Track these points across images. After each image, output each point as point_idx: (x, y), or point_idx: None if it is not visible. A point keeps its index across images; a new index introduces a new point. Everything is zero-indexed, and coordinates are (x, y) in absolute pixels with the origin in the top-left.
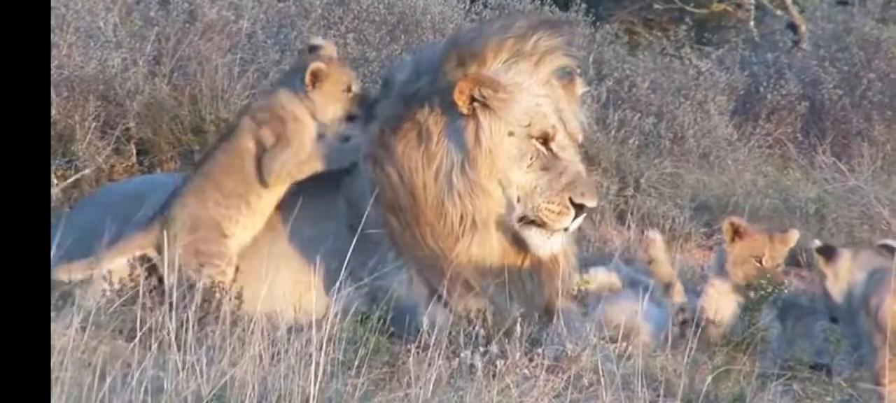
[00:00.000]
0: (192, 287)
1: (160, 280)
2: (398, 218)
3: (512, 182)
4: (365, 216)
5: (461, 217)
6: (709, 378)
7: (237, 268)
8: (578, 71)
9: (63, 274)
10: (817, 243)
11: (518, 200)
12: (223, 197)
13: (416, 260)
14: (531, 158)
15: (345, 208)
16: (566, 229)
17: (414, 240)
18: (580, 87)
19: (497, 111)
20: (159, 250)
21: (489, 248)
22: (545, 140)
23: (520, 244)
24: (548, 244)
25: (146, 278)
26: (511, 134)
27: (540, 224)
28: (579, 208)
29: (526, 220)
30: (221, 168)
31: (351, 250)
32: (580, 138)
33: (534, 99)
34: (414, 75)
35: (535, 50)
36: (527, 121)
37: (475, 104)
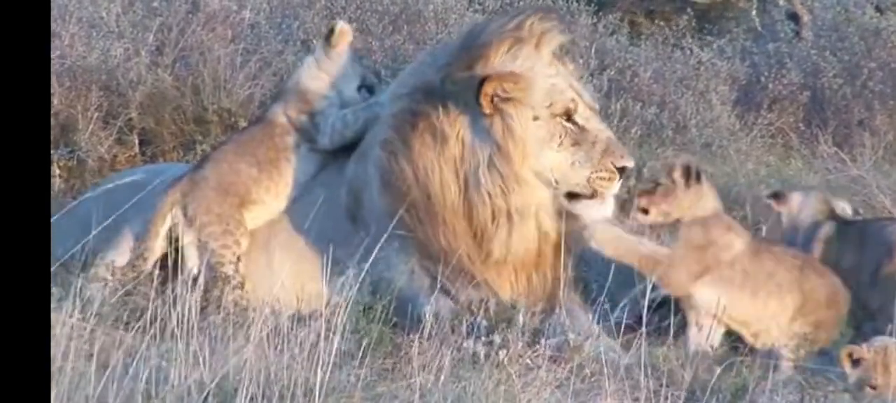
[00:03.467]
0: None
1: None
2: (409, 214)
3: (546, 164)
4: (362, 202)
5: (493, 213)
6: (718, 370)
7: (238, 259)
8: (570, 49)
9: (104, 270)
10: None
11: (556, 182)
12: (256, 161)
13: (425, 255)
14: (560, 137)
15: (347, 198)
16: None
17: (426, 237)
18: (571, 65)
19: (520, 100)
20: (185, 210)
21: (528, 237)
22: (569, 116)
23: (569, 218)
24: (602, 209)
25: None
26: (536, 118)
27: (589, 195)
28: (621, 170)
29: (571, 195)
30: (254, 138)
31: (352, 238)
32: (597, 107)
33: (548, 80)
34: (431, 71)
35: (531, 33)
36: (548, 101)
37: (495, 100)
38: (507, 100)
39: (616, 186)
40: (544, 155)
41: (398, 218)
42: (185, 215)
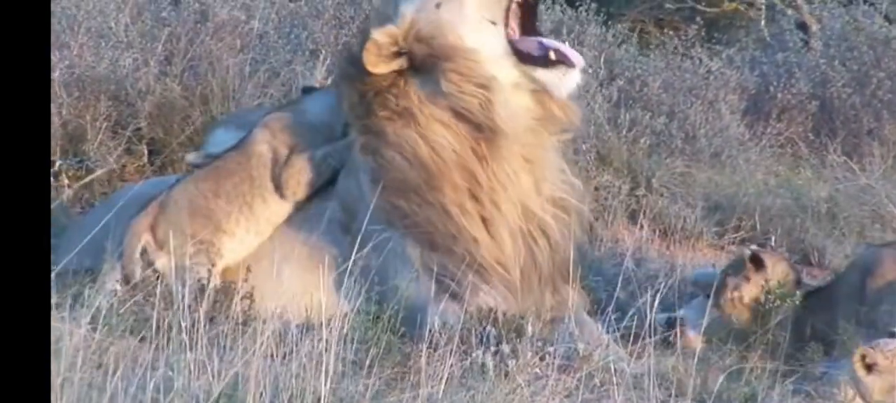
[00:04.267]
0: (201, 286)
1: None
2: (409, 200)
3: (465, 14)
4: (356, 214)
5: (474, 96)
6: (721, 378)
7: (248, 269)
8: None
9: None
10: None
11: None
12: (223, 191)
13: (431, 247)
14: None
15: (340, 213)
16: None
17: (429, 222)
18: None
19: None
20: (154, 232)
21: (522, 104)
22: None
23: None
24: (564, 82)
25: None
26: (438, 5)
27: (527, 58)
28: None
29: (523, 55)
30: (228, 166)
31: (354, 250)
32: None
33: None
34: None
35: None
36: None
37: (401, 55)
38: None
39: None
40: (466, 11)
41: (400, 212)
42: (155, 239)
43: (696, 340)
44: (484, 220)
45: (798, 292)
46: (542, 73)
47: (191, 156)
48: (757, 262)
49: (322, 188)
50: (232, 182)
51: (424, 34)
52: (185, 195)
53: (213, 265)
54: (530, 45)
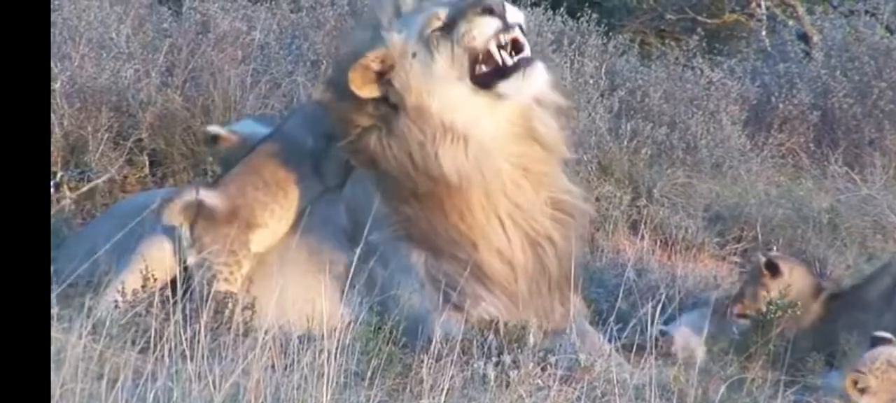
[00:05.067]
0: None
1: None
2: (411, 204)
3: (438, 80)
4: (362, 222)
5: (421, 145)
6: (722, 388)
7: (250, 280)
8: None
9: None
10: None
11: (458, 76)
12: (263, 183)
13: (434, 250)
14: (435, 45)
15: (346, 220)
16: (520, 52)
17: (430, 226)
18: None
19: (394, 68)
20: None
21: (478, 130)
22: (439, 28)
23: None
24: (524, 85)
25: (161, 289)
26: (414, 55)
27: (489, 64)
28: (489, 11)
29: (482, 76)
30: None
31: (355, 260)
32: None
33: (407, 21)
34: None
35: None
36: (416, 31)
37: (384, 79)
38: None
39: (490, 27)
40: (433, 73)
41: (403, 216)
42: (191, 234)
43: (683, 351)
44: (486, 229)
45: (799, 302)
46: (503, 86)
47: (212, 128)
48: (772, 268)
49: (324, 193)
50: (268, 170)
51: (396, 86)
52: (225, 194)
53: (237, 268)
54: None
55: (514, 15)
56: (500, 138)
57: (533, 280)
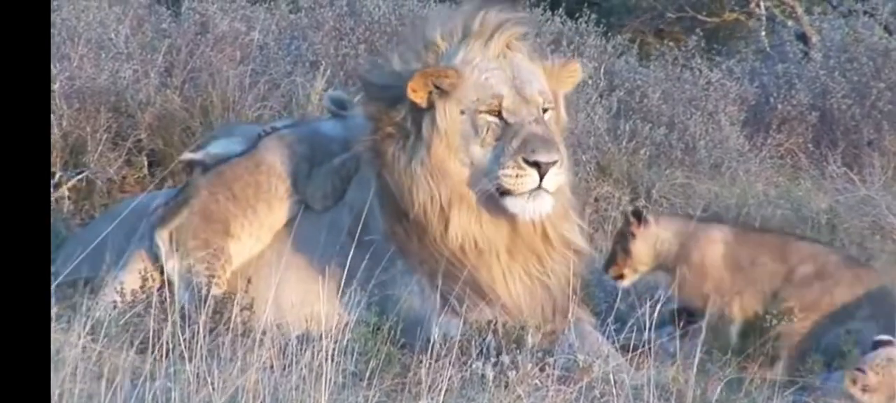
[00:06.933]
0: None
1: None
2: (403, 227)
3: (470, 159)
4: (365, 224)
5: (431, 200)
6: (719, 388)
7: (249, 280)
8: (537, 40)
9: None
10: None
11: (485, 175)
12: (232, 195)
13: (427, 269)
14: (485, 131)
15: (349, 218)
16: (541, 189)
17: (422, 248)
18: (577, 70)
19: (449, 93)
20: (171, 236)
21: (476, 220)
22: (496, 112)
23: (507, 216)
24: (528, 208)
25: (159, 288)
26: (462, 112)
27: (510, 192)
28: (536, 165)
29: (501, 191)
30: (235, 171)
31: (355, 260)
32: (540, 101)
33: (483, 74)
34: (389, 76)
35: (483, 28)
36: (475, 96)
37: (432, 94)
38: (440, 93)
39: (530, 183)
40: (470, 149)
41: (398, 237)
42: (170, 241)
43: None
44: (445, 218)
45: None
46: (509, 201)
47: (187, 155)
48: (638, 216)
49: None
50: (239, 185)
51: (436, 111)
52: (197, 199)
53: (222, 271)
54: None
55: (553, 179)
56: (486, 225)
57: (537, 302)
